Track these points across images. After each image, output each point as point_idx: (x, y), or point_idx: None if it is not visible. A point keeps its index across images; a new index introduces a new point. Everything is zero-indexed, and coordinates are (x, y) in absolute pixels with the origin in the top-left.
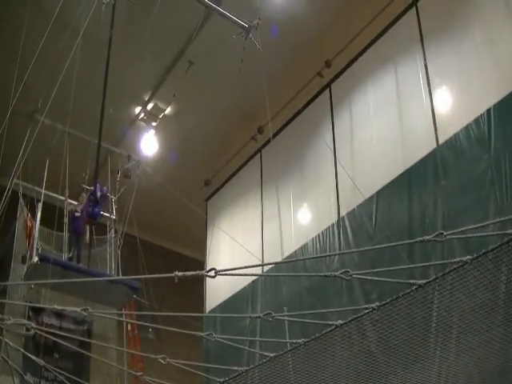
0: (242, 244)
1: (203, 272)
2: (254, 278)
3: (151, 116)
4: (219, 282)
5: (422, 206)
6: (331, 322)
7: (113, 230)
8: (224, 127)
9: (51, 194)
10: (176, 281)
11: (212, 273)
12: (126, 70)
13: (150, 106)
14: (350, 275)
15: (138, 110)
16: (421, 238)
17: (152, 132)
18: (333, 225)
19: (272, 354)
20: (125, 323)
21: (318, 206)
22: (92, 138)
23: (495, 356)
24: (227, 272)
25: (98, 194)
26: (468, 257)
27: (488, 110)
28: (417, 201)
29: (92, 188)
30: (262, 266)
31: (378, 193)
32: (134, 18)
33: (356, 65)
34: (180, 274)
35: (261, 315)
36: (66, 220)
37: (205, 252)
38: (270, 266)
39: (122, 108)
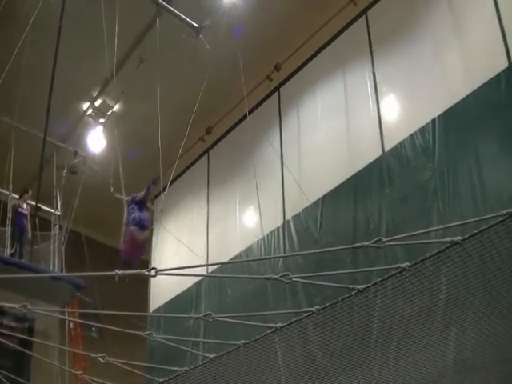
0: (188, 244)
1: (144, 271)
2: (199, 278)
3: (99, 112)
4: (164, 282)
5: (367, 213)
6: (271, 325)
7: (57, 227)
8: (172, 127)
9: None
10: (116, 279)
11: (153, 272)
12: (75, 64)
13: (98, 103)
14: (290, 278)
15: (86, 105)
16: (360, 244)
17: (100, 128)
18: (278, 228)
19: (212, 355)
20: (67, 321)
21: (264, 208)
22: (39, 133)
23: (433, 361)
24: (168, 272)
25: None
26: (406, 263)
27: (433, 120)
28: (362, 207)
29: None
30: (206, 266)
31: (324, 197)
32: (85, 12)
33: (305, 70)
34: (121, 272)
35: (201, 316)
36: (9, 215)
37: (150, 251)
38: (215, 267)
39: (70, 103)
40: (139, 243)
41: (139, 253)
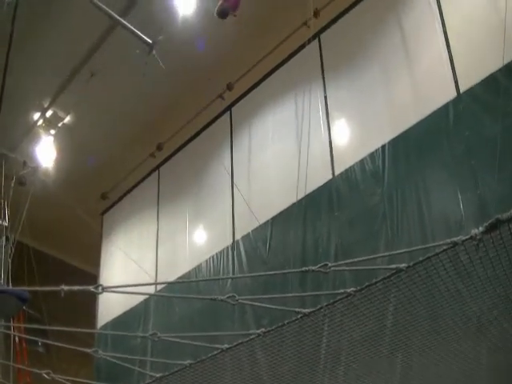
0: (137, 261)
1: (90, 287)
2: (147, 296)
3: (50, 124)
4: (112, 298)
5: (316, 235)
6: (218, 346)
7: (4, 238)
8: (123, 141)
9: None
10: (62, 294)
11: (99, 289)
12: (26, 74)
13: (49, 114)
14: (237, 300)
15: (36, 116)
16: (306, 268)
17: (50, 139)
18: (227, 247)
19: (158, 375)
20: (12, 336)
21: (213, 227)
22: None
23: None
24: (115, 289)
25: None
26: (352, 289)
27: (383, 146)
28: (311, 229)
29: None
30: (154, 284)
31: (274, 219)
32: (38, 21)
33: (258, 90)
34: (67, 288)
35: (147, 335)
36: None
37: (99, 267)
38: (163, 285)
39: (20, 113)
40: None
41: None
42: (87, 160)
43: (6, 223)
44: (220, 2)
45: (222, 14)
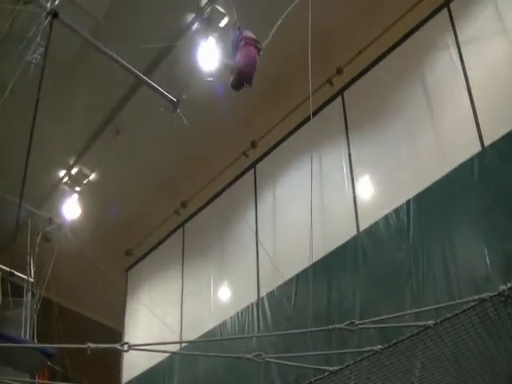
0: (161, 317)
1: (116, 345)
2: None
3: (75, 181)
4: (137, 354)
5: (341, 292)
6: None
7: (30, 294)
8: (148, 198)
9: None
10: (88, 352)
11: (125, 347)
12: (52, 132)
13: (74, 171)
14: (263, 358)
15: (62, 173)
16: (333, 326)
17: (75, 196)
18: (252, 304)
19: None
20: None
21: (238, 284)
22: (14, 198)
23: None
24: (141, 347)
25: None
26: (379, 346)
27: (407, 202)
28: (336, 286)
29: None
30: (179, 343)
31: (298, 276)
32: (63, 80)
33: (281, 147)
34: (93, 345)
35: None
36: None
37: (124, 323)
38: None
39: (45, 170)
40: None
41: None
42: (112, 213)
43: (31, 279)
44: (233, 75)
45: (237, 86)
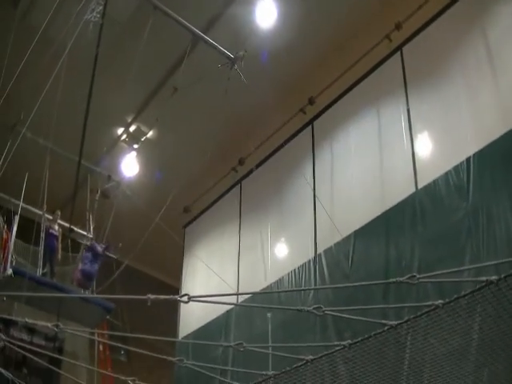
0: (218, 273)
1: (177, 297)
2: (229, 308)
3: (133, 138)
4: (193, 309)
5: (399, 250)
6: (302, 357)
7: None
8: (205, 155)
9: (29, 207)
10: (149, 303)
11: (185, 298)
12: (110, 90)
13: (132, 129)
14: (323, 311)
15: (120, 131)
16: (394, 280)
17: (133, 154)
18: (309, 261)
19: None
20: (96, 343)
21: (295, 241)
22: (73, 156)
23: None
24: (201, 298)
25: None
26: (440, 301)
27: (468, 159)
28: (394, 244)
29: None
30: (237, 295)
31: (356, 233)
32: (122, 39)
33: (339, 104)
34: (153, 296)
35: (232, 345)
36: (42, 235)
37: (181, 279)
38: (245, 297)
39: (104, 128)
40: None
41: None
42: (159, 176)
43: (91, 235)
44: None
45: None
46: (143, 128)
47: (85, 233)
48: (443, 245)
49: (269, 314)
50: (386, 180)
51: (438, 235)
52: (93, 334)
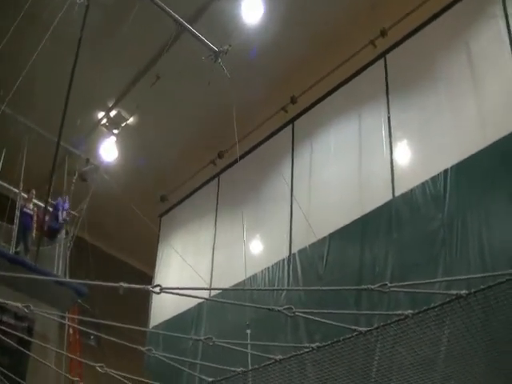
0: (192, 265)
1: (149, 287)
2: (201, 300)
3: (113, 123)
4: (166, 299)
5: (373, 255)
6: (271, 356)
7: (64, 231)
8: (185, 146)
9: (4, 184)
10: (121, 292)
11: (157, 289)
12: (93, 73)
13: (113, 113)
14: (294, 312)
15: (101, 115)
16: (365, 287)
17: (113, 139)
18: (283, 260)
19: (210, 379)
20: (67, 327)
21: (270, 238)
22: (52, 136)
23: None
24: (173, 290)
25: (61, 209)
26: (410, 311)
27: (445, 171)
28: (368, 249)
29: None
30: (209, 290)
31: (331, 235)
32: (107, 24)
33: (321, 105)
34: (125, 285)
35: (202, 339)
36: (17, 213)
37: (154, 267)
38: (218, 291)
39: (85, 111)
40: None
41: None
42: (143, 161)
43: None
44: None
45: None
46: (124, 114)
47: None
48: (417, 253)
49: (248, 331)
50: (363, 185)
51: (413, 243)
52: (63, 317)
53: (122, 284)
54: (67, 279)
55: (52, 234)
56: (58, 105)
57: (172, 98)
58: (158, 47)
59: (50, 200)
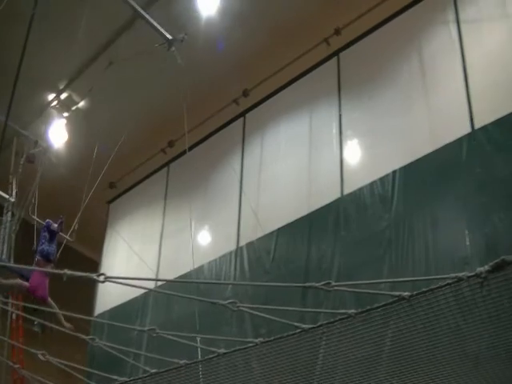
0: (139, 253)
1: (93, 275)
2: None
3: (64, 106)
4: (112, 287)
5: (320, 252)
6: (214, 349)
7: (10, 213)
8: (135, 133)
9: None
10: (64, 279)
11: (102, 277)
12: (45, 54)
13: (63, 96)
14: (237, 306)
15: (51, 97)
16: (309, 284)
17: (63, 122)
18: (231, 252)
19: (153, 370)
20: (10, 312)
21: (219, 230)
22: (0, 116)
23: None
24: (117, 280)
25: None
26: (353, 311)
27: (394, 172)
28: (316, 246)
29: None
30: (154, 280)
31: (279, 230)
32: (61, 3)
33: (273, 100)
34: (69, 272)
35: (145, 329)
36: None
37: (102, 254)
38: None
39: (35, 92)
40: (46, 274)
41: (45, 287)
42: (99, 147)
43: (12, 199)
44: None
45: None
46: (75, 97)
47: (6, 196)
48: (363, 252)
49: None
50: (313, 181)
51: (360, 242)
52: (6, 303)
53: (66, 271)
54: (11, 264)
55: (46, 258)
56: (6, 84)
57: (124, 83)
58: (113, 31)
59: None
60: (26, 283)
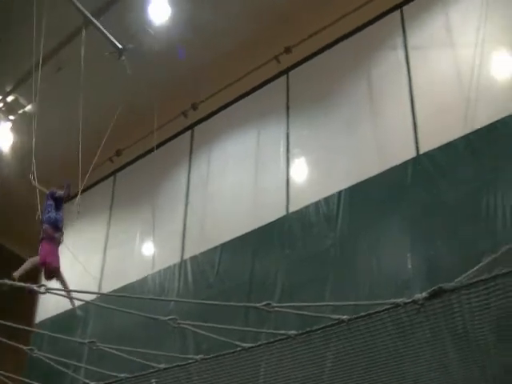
0: (83, 262)
1: (34, 286)
2: (89, 298)
3: (10, 109)
4: (53, 295)
5: (264, 269)
6: (155, 365)
7: None
8: (83, 140)
9: None
10: (4, 288)
11: (42, 289)
12: None
13: (10, 98)
14: (178, 323)
15: None
16: (250, 304)
17: (8, 125)
18: (175, 265)
19: (93, 383)
20: None
21: (163, 242)
22: None
23: None
24: (57, 292)
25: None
26: (293, 332)
27: (339, 192)
28: (260, 262)
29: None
30: (94, 294)
31: (224, 245)
32: (10, 5)
33: (221, 115)
34: (10, 282)
35: (86, 342)
36: None
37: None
38: (107, 289)
39: None
40: (55, 243)
41: (57, 256)
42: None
43: None
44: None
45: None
46: (22, 100)
47: None
48: (307, 271)
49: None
50: (259, 198)
51: (304, 261)
52: None
53: (5, 281)
54: None
55: (55, 226)
56: None
57: (73, 90)
58: (63, 37)
59: None
60: (36, 257)
